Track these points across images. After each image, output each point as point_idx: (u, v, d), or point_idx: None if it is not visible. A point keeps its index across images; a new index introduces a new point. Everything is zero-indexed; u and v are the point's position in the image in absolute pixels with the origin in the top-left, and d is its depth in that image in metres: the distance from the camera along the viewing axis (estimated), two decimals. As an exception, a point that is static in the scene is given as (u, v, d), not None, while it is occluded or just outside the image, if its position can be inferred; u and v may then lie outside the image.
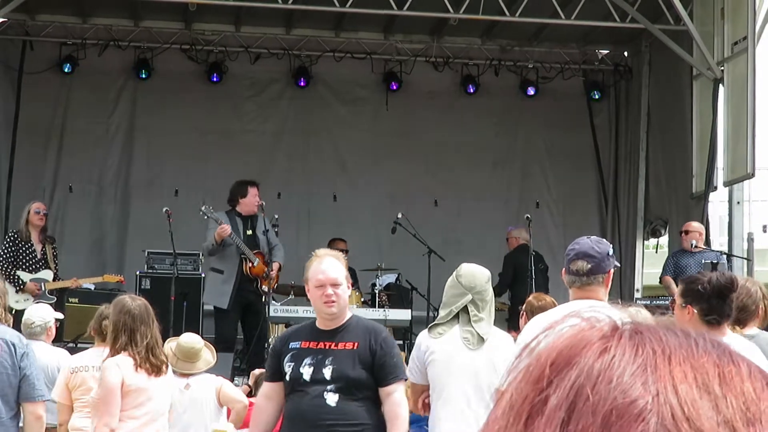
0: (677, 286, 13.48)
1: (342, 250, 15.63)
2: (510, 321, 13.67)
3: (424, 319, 13.68)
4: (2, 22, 16.64)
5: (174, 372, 8.75)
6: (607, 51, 18.48)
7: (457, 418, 7.00)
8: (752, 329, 6.68)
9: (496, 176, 18.05)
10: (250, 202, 13.63)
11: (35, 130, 17.12)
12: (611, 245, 6.00)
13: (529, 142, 18.19)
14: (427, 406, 7.18)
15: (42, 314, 9.64)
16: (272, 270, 13.45)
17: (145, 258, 14.82)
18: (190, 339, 9.00)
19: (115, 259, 16.57)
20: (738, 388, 0.97)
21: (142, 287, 14.21)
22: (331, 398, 6.33)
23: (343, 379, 6.35)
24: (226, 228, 13.22)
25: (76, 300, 13.67)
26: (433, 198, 17.68)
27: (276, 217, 13.61)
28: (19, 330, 9.79)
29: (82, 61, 17.11)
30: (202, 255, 14.68)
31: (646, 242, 17.72)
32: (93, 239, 17.12)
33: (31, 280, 13.54)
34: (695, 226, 14.05)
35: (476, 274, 7.20)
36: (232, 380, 11.25)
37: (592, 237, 5.94)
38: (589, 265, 5.64)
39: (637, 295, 16.20)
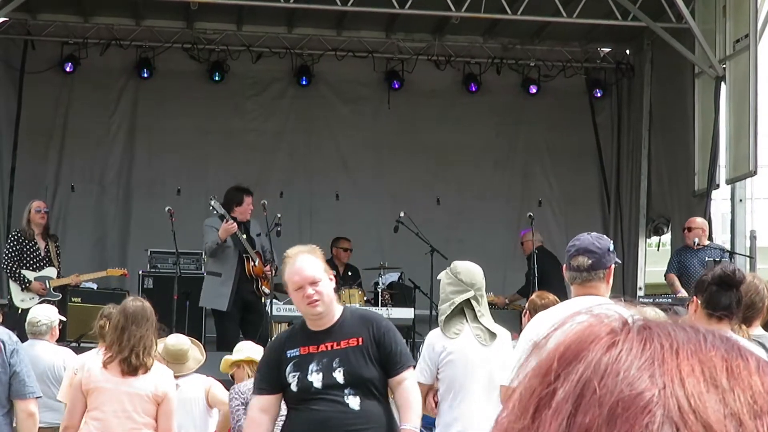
0: (681, 283, 13.51)
1: (346, 249, 15.71)
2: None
3: (426, 318, 13.68)
4: (4, 21, 16.64)
5: None
6: (609, 49, 18.49)
7: (473, 416, 6.99)
8: (757, 329, 6.66)
9: (498, 175, 18.05)
10: (244, 210, 13.67)
11: (37, 130, 17.13)
12: (611, 241, 6.00)
13: (531, 141, 18.19)
14: (436, 405, 7.17)
15: (48, 314, 9.67)
16: (268, 271, 13.45)
17: (147, 257, 14.84)
18: (176, 341, 8.97)
19: (118, 258, 16.57)
20: (746, 382, 0.97)
21: (145, 286, 14.23)
22: (354, 402, 5.95)
23: (358, 380, 6.00)
24: (234, 225, 13.20)
25: (79, 299, 13.68)
26: (435, 197, 17.68)
27: (278, 216, 13.61)
28: (23, 328, 9.82)
29: (83, 61, 17.12)
30: (205, 255, 14.70)
31: (648, 240, 17.73)
32: (95, 238, 17.13)
33: (35, 279, 13.56)
34: (698, 222, 14.03)
35: (474, 271, 7.21)
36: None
37: (592, 233, 5.93)
38: (590, 261, 5.64)
39: (640, 293, 16.20)
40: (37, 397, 7.18)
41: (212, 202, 13.55)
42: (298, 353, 6.04)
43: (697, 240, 13.82)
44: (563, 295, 11.02)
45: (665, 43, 15.46)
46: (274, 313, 13.44)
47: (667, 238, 17.55)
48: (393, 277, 15.37)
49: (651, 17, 15.24)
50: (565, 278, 5.81)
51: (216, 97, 17.45)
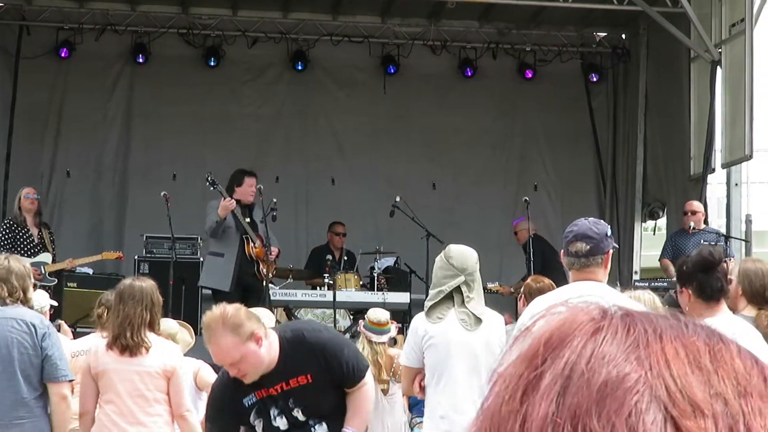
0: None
1: (338, 233, 15.71)
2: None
3: (422, 303, 13.65)
4: (-1, 7, 16.63)
5: None
6: (605, 34, 18.47)
7: (456, 400, 7.01)
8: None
9: (494, 159, 18.05)
10: (244, 191, 13.56)
11: (33, 116, 17.11)
12: (609, 226, 6.01)
13: (527, 125, 18.19)
14: (423, 389, 7.19)
15: (38, 300, 9.66)
16: (271, 253, 13.41)
17: (143, 242, 14.83)
18: (165, 325, 8.98)
19: (114, 243, 16.55)
20: (728, 364, 0.98)
21: (141, 271, 14.21)
22: (321, 430, 5.91)
23: (319, 413, 5.91)
24: (232, 202, 13.14)
25: (75, 284, 13.69)
26: (431, 181, 17.69)
27: (274, 201, 13.60)
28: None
29: (79, 46, 17.10)
30: (201, 239, 14.69)
31: (644, 224, 17.74)
32: (91, 224, 17.12)
33: (30, 264, 13.54)
34: (696, 205, 14.05)
35: (467, 256, 7.20)
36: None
37: (590, 218, 5.94)
38: (588, 246, 5.65)
39: (636, 277, 16.22)
40: (70, 380, 7.21)
41: (209, 178, 13.50)
42: (255, 399, 5.85)
43: (692, 224, 13.84)
44: (563, 281, 11.06)
45: (661, 27, 15.45)
46: (272, 297, 13.45)
47: (662, 222, 17.56)
48: (389, 261, 15.39)
49: (647, 1, 15.23)
50: (563, 264, 5.82)
51: (212, 83, 17.43)
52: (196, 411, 8.63)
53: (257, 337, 5.67)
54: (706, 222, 14.36)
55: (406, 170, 17.40)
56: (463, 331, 7.04)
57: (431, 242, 14.47)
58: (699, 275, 5.69)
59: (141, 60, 17.24)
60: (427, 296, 7.45)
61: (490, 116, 18.11)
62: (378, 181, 17.30)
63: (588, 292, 5.46)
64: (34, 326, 7.07)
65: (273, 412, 5.83)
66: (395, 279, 15.03)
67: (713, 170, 15.28)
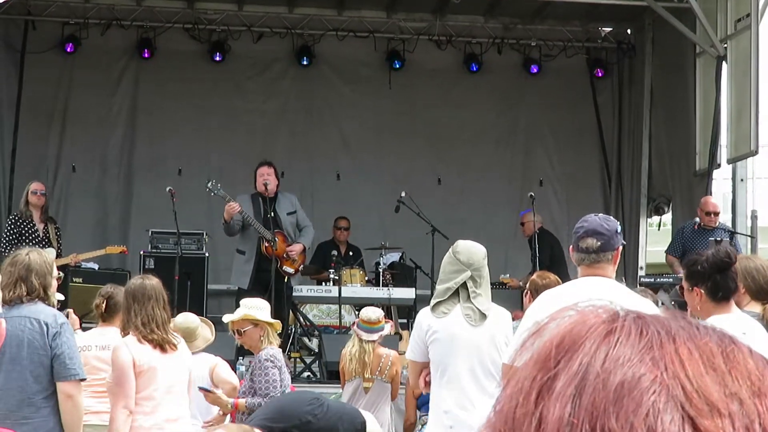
0: (683, 264, 13.50)
1: (340, 228, 15.71)
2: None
3: (428, 298, 13.57)
4: (5, 1, 16.58)
5: None
6: (610, 29, 18.45)
7: (460, 395, 7.02)
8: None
9: (499, 154, 18.05)
10: (258, 182, 13.60)
11: (38, 110, 17.13)
12: (618, 222, 6.02)
13: (532, 121, 18.19)
14: (428, 384, 7.20)
15: None
16: (292, 251, 13.40)
17: (148, 237, 14.84)
18: (184, 319, 9.03)
19: (119, 238, 16.54)
20: (742, 365, 0.99)
21: (146, 267, 14.23)
22: None
23: None
24: (234, 206, 13.15)
25: (80, 280, 13.70)
26: (436, 176, 17.69)
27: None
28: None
29: (84, 41, 17.11)
30: (207, 234, 14.71)
31: (649, 220, 17.74)
32: (96, 219, 17.14)
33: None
34: (717, 205, 14.03)
35: (474, 251, 7.20)
36: (236, 360, 11.28)
37: (599, 214, 5.95)
38: (599, 243, 5.66)
39: (641, 272, 16.22)
40: (80, 379, 7.22)
41: (209, 185, 13.53)
42: None
43: (698, 219, 13.84)
44: (566, 275, 11.05)
45: (666, 22, 15.45)
46: (295, 294, 13.49)
47: (668, 217, 17.56)
48: (394, 257, 15.40)
49: (652, -4, 15.22)
50: (572, 259, 5.82)
51: (217, 78, 17.44)
52: (210, 406, 8.70)
53: None
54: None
55: (412, 165, 17.41)
56: (467, 327, 7.05)
57: (436, 237, 14.48)
58: (715, 276, 5.69)
59: (146, 55, 17.25)
60: (432, 292, 7.47)
61: (495, 111, 18.11)
62: (383, 177, 17.30)
63: (597, 289, 5.47)
64: (47, 325, 7.07)
65: None
66: (400, 274, 15.04)
67: (719, 166, 15.27)
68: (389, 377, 10.03)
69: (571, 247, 5.81)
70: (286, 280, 13.31)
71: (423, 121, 17.71)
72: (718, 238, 12.90)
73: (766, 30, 14.86)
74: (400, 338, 12.44)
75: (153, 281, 7.42)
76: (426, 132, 17.69)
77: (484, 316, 7.05)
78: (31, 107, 17.06)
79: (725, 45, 14.68)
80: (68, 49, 17.00)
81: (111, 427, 7.36)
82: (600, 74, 18.26)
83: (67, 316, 9.12)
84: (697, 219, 13.86)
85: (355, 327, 10.29)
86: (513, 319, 7.54)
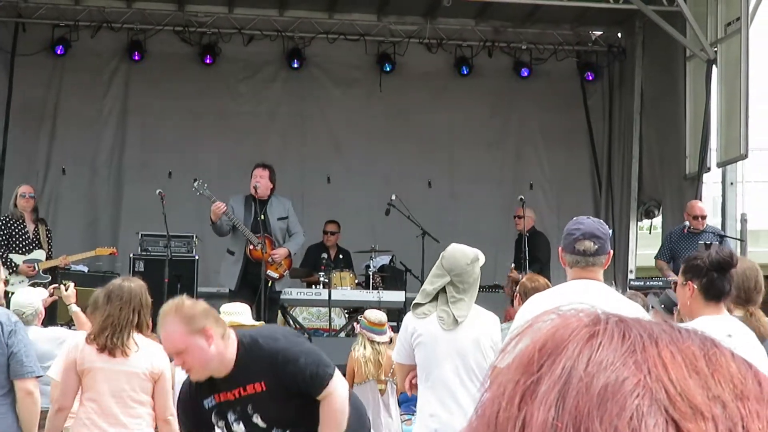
0: (673, 268, 13.51)
1: (326, 232, 15.70)
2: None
3: (418, 301, 13.70)
4: (-6, 4, 16.61)
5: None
6: (601, 32, 18.48)
7: (445, 398, 7.02)
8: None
9: (489, 158, 18.05)
10: (251, 184, 13.60)
11: (28, 112, 17.10)
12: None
13: (523, 124, 18.21)
14: (414, 387, 7.20)
15: (30, 300, 9.63)
16: (275, 255, 13.38)
17: (138, 240, 14.82)
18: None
19: (109, 240, 16.53)
20: (724, 368, 0.99)
21: (136, 269, 14.21)
22: None
23: (277, 421, 5.76)
24: (220, 205, 13.12)
25: (72, 283, 13.65)
26: (426, 180, 17.70)
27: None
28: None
29: (74, 43, 17.09)
30: (197, 237, 14.70)
31: (639, 223, 17.76)
32: (86, 221, 17.11)
33: (24, 262, 13.56)
34: (704, 209, 14.03)
35: (457, 257, 7.18)
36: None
37: (592, 218, 5.99)
38: (596, 246, 5.69)
39: (631, 276, 16.23)
40: (37, 377, 7.20)
41: (195, 185, 13.52)
42: (214, 402, 5.76)
43: (687, 223, 13.86)
44: (548, 277, 11.04)
45: (657, 26, 15.47)
46: (284, 296, 13.48)
47: (658, 221, 17.57)
48: (384, 260, 15.41)
49: (643, 0, 15.24)
50: (564, 261, 5.82)
51: (207, 80, 17.43)
52: None
53: (208, 334, 5.54)
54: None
55: (402, 168, 17.40)
56: (448, 330, 7.05)
57: (427, 241, 14.49)
58: (712, 273, 5.69)
59: (137, 57, 17.23)
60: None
61: (485, 115, 18.12)
62: (374, 180, 17.29)
63: (590, 292, 5.48)
64: (1, 324, 7.07)
65: (230, 417, 5.73)
66: (390, 277, 15.05)
67: (709, 169, 15.29)
68: None
69: (561, 248, 5.81)
70: (270, 285, 13.27)
71: (413, 124, 17.71)
72: (708, 242, 12.91)
73: (756, 34, 14.88)
74: (390, 341, 12.43)
75: (133, 283, 7.32)
76: (416, 135, 17.68)
77: (456, 321, 7.03)
78: (22, 109, 17.03)
79: (715, 48, 14.71)
80: (58, 52, 16.97)
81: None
82: (590, 78, 18.28)
83: (67, 289, 9.19)
84: (687, 223, 13.88)
85: (361, 330, 10.24)
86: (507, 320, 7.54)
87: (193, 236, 14.73)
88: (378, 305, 13.50)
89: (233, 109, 17.53)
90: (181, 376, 8.62)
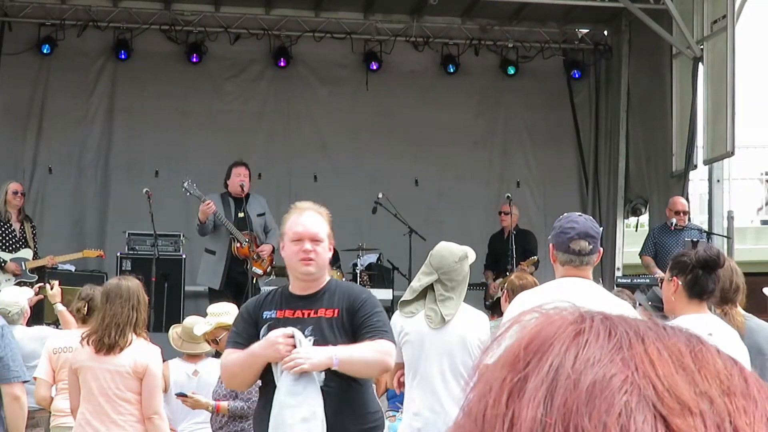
0: (657, 264, 13.54)
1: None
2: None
3: (405, 299, 13.70)
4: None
5: (181, 355, 8.82)
6: (587, 30, 18.50)
7: (430, 397, 7.03)
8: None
9: (476, 156, 18.05)
10: (233, 182, 13.57)
11: (14, 112, 17.06)
12: None
13: (510, 122, 18.21)
14: (402, 385, 7.20)
15: (16, 299, 9.61)
16: (262, 251, 13.37)
17: (125, 239, 14.80)
18: (192, 320, 9.00)
19: (96, 240, 16.52)
20: (711, 365, 1.00)
21: (123, 268, 14.20)
22: (319, 377, 5.59)
23: None
24: (211, 204, 13.13)
25: (57, 282, 13.64)
26: (413, 178, 17.69)
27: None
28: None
29: (61, 42, 17.04)
30: (184, 236, 14.68)
31: (626, 221, 17.78)
32: (73, 221, 17.07)
33: (11, 260, 13.53)
34: (684, 204, 14.07)
35: (445, 255, 7.19)
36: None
37: (584, 215, 5.97)
38: (591, 246, 5.69)
39: (618, 273, 16.24)
40: (23, 381, 7.18)
41: (185, 184, 13.51)
42: (274, 315, 5.76)
43: (674, 221, 13.88)
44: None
45: (643, 23, 15.49)
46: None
47: (645, 218, 17.60)
48: (371, 258, 15.40)
49: (629, -2, 15.26)
50: (555, 259, 5.79)
51: (194, 79, 17.40)
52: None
53: (331, 242, 5.95)
54: (688, 218, 14.40)
55: (389, 167, 17.39)
56: (435, 329, 7.05)
57: (414, 239, 14.49)
58: (698, 270, 5.70)
59: (123, 56, 17.19)
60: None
61: (472, 113, 18.12)
62: (361, 178, 17.29)
63: (579, 290, 5.48)
64: None
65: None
66: (378, 275, 15.05)
67: (695, 167, 15.32)
68: None
69: (552, 245, 5.79)
70: (254, 282, 13.27)
71: (400, 122, 17.70)
72: (694, 239, 12.93)
73: (742, 31, 14.92)
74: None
75: (131, 282, 7.35)
76: (403, 133, 17.68)
77: (443, 319, 7.03)
78: (7, 108, 16.99)
79: (701, 46, 14.73)
80: (44, 51, 16.92)
81: None
82: (577, 75, 18.28)
83: (52, 288, 9.17)
84: (674, 220, 13.91)
85: None
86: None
87: (180, 235, 14.72)
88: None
89: (220, 108, 17.50)
90: (176, 377, 8.65)
